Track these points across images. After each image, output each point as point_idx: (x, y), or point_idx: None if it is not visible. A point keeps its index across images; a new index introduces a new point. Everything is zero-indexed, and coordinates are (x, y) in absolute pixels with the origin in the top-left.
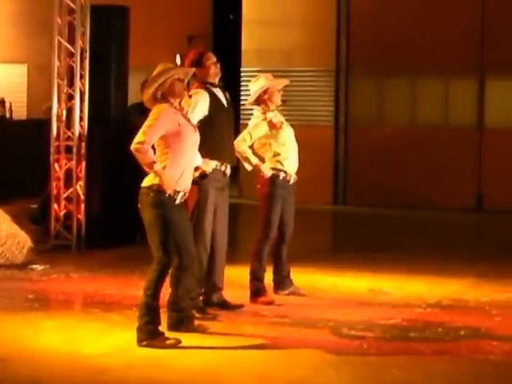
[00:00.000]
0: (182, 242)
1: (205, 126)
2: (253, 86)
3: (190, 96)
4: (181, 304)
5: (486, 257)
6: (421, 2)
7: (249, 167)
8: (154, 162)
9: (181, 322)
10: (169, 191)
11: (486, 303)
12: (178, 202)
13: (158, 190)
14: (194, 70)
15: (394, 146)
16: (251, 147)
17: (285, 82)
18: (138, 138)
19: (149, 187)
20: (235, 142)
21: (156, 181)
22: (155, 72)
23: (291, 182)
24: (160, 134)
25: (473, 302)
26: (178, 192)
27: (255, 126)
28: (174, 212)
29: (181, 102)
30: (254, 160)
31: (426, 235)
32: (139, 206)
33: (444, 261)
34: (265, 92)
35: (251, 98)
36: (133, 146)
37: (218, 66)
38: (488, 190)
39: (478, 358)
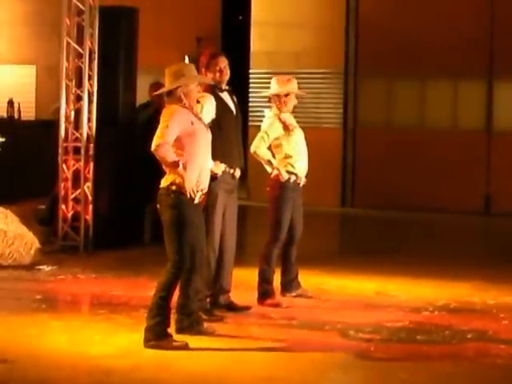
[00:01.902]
0: (197, 245)
1: (212, 129)
2: (279, 87)
3: (198, 102)
4: (191, 307)
5: (494, 260)
6: (429, 4)
7: (270, 169)
8: (178, 161)
9: (191, 325)
10: (188, 192)
11: (494, 306)
12: (196, 201)
13: (178, 191)
14: (208, 79)
15: (402, 148)
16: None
17: (303, 93)
18: (157, 139)
19: (168, 188)
20: (254, 145)
21: (176, 181)
22: (183, 69)
23: (301, 184)
24: (176, 133)
25: (480, 305)
26: (197, 192)
27: (270, 126)
28: (191, 212)
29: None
30: (275, 162)
31: (433, 238)
32: (158, 206)
33: (451, 263)
34: (286, 94)
35: (271, 92)
36: (153, 148)
37: (226, 71)
38: (496, 193)
39: (485, 361)
